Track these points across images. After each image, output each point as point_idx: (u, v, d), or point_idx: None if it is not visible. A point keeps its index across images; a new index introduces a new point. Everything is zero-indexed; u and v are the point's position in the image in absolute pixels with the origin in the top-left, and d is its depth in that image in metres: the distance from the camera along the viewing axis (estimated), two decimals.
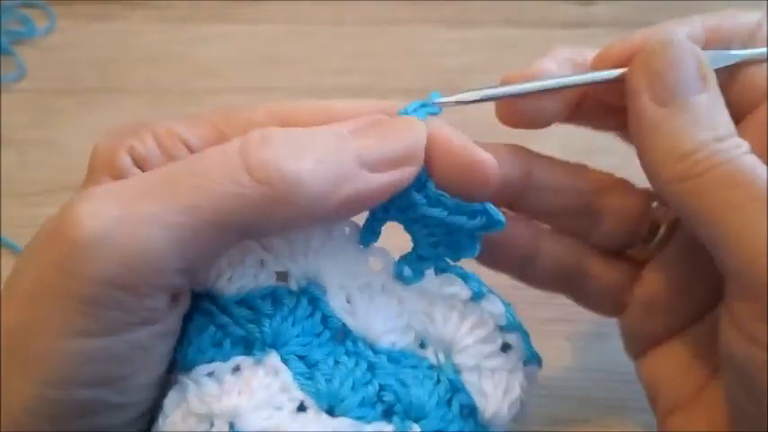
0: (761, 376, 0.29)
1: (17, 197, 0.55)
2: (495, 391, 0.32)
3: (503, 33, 0.65)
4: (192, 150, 0.32)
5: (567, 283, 0.39)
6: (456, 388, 0.32)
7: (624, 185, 0.38)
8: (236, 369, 0.30)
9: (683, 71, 0.32)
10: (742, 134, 0.32)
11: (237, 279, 0.31)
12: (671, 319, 0.37)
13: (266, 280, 0.32)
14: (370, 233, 0.33)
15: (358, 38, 0.66)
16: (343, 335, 0.32)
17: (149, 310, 0.29)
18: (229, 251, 0.31)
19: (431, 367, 0.32)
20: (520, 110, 0.35)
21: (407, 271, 0.33)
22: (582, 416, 0.44)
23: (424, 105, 0.32)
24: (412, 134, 0.31)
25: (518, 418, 0.34)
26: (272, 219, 0.28)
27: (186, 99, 0.62)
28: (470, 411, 0.32)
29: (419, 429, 0.31)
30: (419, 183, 0.31)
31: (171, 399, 0.30)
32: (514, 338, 0.34)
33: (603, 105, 0.36)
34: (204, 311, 0.31)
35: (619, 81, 0.33)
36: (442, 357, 0.33)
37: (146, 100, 0.62)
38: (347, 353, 0.31)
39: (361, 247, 0.33)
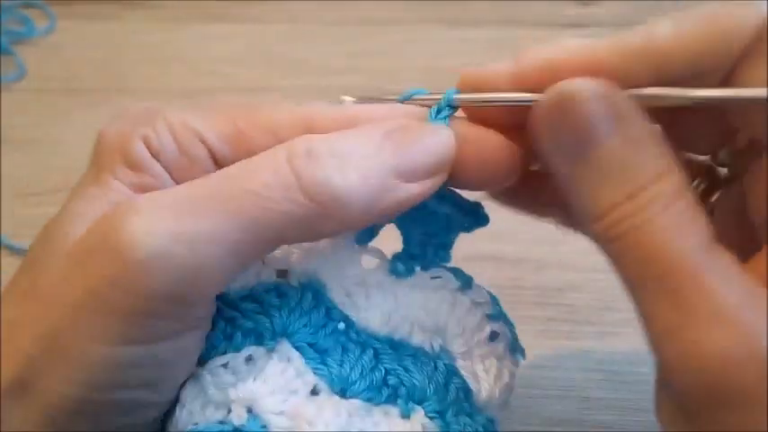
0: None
1: (17, 197, 0.55)
2: (487, 375, 0.34)
3: (503, 33, 0.65)
4: (208, 146, 0.32)
5: None
6: (452, 373, 0.34)
7: None
8: (249, 359, 0.31)
9: (583, 121, 0.28)
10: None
11: (241, 277, 0.32)
12: None
13: (268, 277, 0.33)
14: (368, 233, 0.34)
15: (358, 38, 0.66)
16: (346, 326, 0.33)
17: (198, 319, 0.30)
18: None
19: (427, 355, 0.34)
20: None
21: (400, 267, 0.34)
22: (582, 416, 0.44)
23: (445, 108, 0.33)
24: (443, 146, 0.31)
25: (504, 406, 0.35)
26: (316, 232, 0.29)
27: (186, 99, 0.62)
28: (466, 395, 0.34)
29: (422, 411, 0.32)
30: None
31: (189, 390, 0.31)
32: (501, 327, 0.35)
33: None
34: None
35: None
36: (437, 345, 0.34)
37: (145, 100, 0.62)
38: (353, 341, 0.33)
39: (356, 246, 0.34)
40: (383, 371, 0.32)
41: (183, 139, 0.32)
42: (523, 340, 0.47)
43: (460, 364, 0.34)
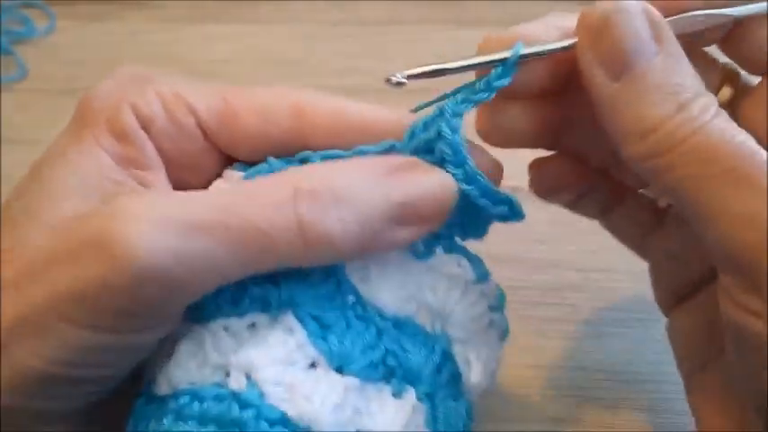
0: (756, 342, 0.28)
1: None
2: (477, 362, 0.35)
3: None
4: (197, 118, 0.32)
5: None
6: (447, 357, 0.34)
7: None
8: (252, 326, 0.31)
9: (630, 37, 0.29)
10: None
11: None
12: (694, 271, 0.36)
13: None
14: None
15: (358, 38, 0.66)
16: (354, 299, 0.33)
17: (174, 316, 0.30)
18: None
19: (427, 336, 0.34)
20: (496, 125, 0.34)
21: (420, 246, 0.34)
22: (582, 416, 0.44)
23: (452, 107, 0.33)
24: (443, 197, 0.31)
25: (485, 393, 0.36)
26: (304, 264, 0.30)
27: None
28: (456, 380, 0.34)
29: (413, 392, 0.32)
30: (459, 159, 0.32)
31: (186, 348, 0.31)
32: (499, 318, 0.36)
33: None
34: None
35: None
36: (438, 328, 0.34)
37: None
38: (357, 317, 0.33)
39: None
40: (383, 350, 0.32)
41: (174, 109, 0.32)
42: (523, 340, 0.47)
43: (456, 349, 0.34)
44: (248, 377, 0.29)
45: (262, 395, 0.29)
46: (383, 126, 0.33)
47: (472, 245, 0.35)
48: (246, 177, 0.33)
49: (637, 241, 0.39)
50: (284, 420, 0.29)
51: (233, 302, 0.31)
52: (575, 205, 0.38)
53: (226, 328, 0.31)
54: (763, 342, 0.28)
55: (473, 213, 0.33)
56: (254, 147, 0.33)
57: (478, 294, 0.35)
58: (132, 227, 0.27)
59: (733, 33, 0.33)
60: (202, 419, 0.29)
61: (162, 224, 0.27)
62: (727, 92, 0.35)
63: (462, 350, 0.35)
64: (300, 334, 0.31)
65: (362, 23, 0.67)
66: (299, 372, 0.30)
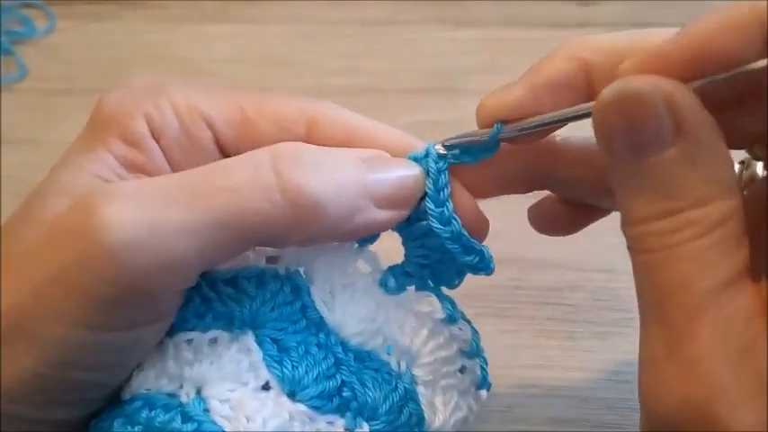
0: None
1: (17, 197, 0.55)
2: (443, 407, 0.34)
3: (503, 33, 0.65)
4: (214, 131, 0.32)
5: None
6: (410, 397, 0.34)
7: None
8: (214, 341, 0.32)
9: (640, 127, 0.26)
10: None
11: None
12: None
13: (257, 262, 0.33)
14: (370, 236, 0.34)
15: (358, 38, 0.66)
16: (317, 326, 0.33)
17: (161, 312, 0.30)
18: None
19: (390, 373, 0.34)
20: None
21: (392, 282, 0.34)
22: (582, 416, 0.44)
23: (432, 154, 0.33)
24: (413, 182, 0.32)
25: None
26: (292, 236, 0.30)
27: None
28: (418, 421, 0.34)
29: (368, 428, 0.32)
30: (439, 199, 0.33)
31: (151, 356, 0.31)
32: (473, 364, 0.35)
33: None
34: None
35: None
36: (403, 366, 0.34)
37: None
38: (318, 344, 0.33)
39: (356, 246, 0.34)
40: (339, 381, 0.32)
41: (188, 121, 0.32)
42: (523, 340, 0.47)
43: (421, 390, 0.34)
44: (198, 391, 0.30)
45: (206, 411, 0.30)
46: (390, 146, 0.33)
47: None
48: None
49: None
50: None
51: (197, 316, 0.31)
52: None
53: (188, 341, 0.31)
54: None
55: (447, 258, 0.34)
56: None
57: (448, 336, 0.35)
58: (104, 207, 0.27)
59: None
60: (147, 427, 0.29)
61: (134, 199, 0.27)
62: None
63: (428, 392, 0.34)
64: (256, 355, 0.31)
65: (362, 23, 0.67)
66: (248, 392, 0.31)
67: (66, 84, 0.64)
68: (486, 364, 0.36)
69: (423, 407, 0.34)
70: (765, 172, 0.32)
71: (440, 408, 0.34)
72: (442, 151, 0.33)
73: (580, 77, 0.31)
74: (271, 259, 0.34)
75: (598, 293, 0.48)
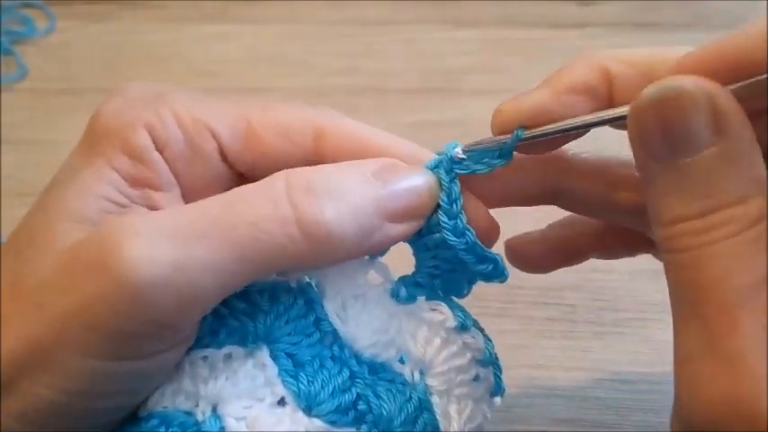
0: None
1: (17, 197, 0.55)
2: (459, 417, 0.34)
3: (503, 33, 0.65)
4: (218, 142, 0.32)
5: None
6: (424, 407, 0.34)
7: None
8: (228, 357, 0.31)
9: (682, 127, 0.26)
10: None
11: None
12: None
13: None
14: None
15: (358, 38, 0.66)
16: (331, 339, 0.33)
17: (183, 338, 0.30)
18: None
19: (404, 383, 0.34)
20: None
21: (403, 292, 0.34)
22: (582, 416, 0.44)
23: (449, 161, 0.33)
24: (426, 191, 0.32)
25: None
26: (308, 265, 0.30)
27: None
28: (433, 431, 0.34)
29: None
30: (452, 212, 0.32)
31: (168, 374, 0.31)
32: (487, 372, 0.35)
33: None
34: None
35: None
36: (417, 376, 0.34)
37: None
38: (333, 357, 0.33)
39: (366, 258, 0.34)
40: (354, 394, 0.32)
41: (192, 132, 0.31)
42: (523, 340, 0.47)
43: (435, 400, 0.34)
44: (214, 409, 0.30)
45: (222, 429, 0.29)
46: (399, 156, 0.33)
47: None
48: None
49: None
50: None
51: (211, 332, 0.31)
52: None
53: (204, 358, 0.31)
54: None
55: (459, 268, 0.34)
56: (274, 167, 0.32)
57: (461, 345, 0.34)
58: (127, 243, 0.26)
59: None
60: None
61: (157, 237, 0.27)
62: None
63: (442, 402, 0.34)
64: (272, 370, 0.31)
65: (362, 23, 0.67)
66: (264, 408, 0.30)
67: (66, 84, 0.64)
68: (501, 372, 0.35)
69: (438, 417, 0.34)
70: None
71: (455, 417, 0.34)
72: (461, 155, 0.32)
73: (603, 85, 0.31)
74: (281, 272, 0.33)
75: (598, 293, 0.48)
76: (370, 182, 0.30)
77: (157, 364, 0.29)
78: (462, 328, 0.34)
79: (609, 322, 0.47)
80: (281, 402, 0.31)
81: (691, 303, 0.26)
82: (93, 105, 0.34)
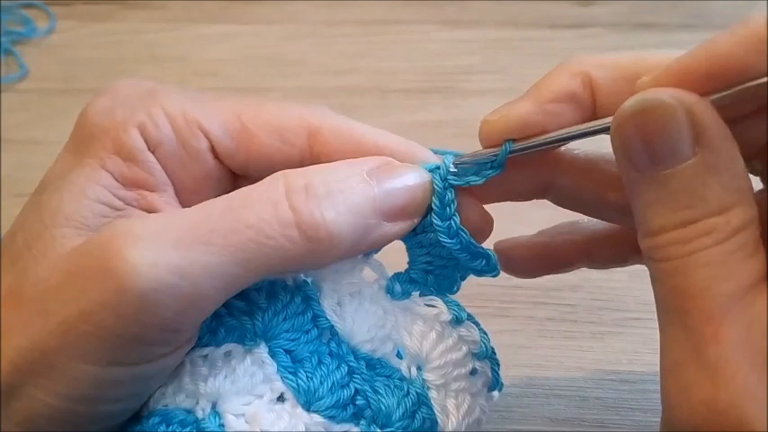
0: None
1: (17, 197, 0.55)
2: (456, 411, 0.34)
3: (503, 33, 0.65)
4: (210, 140, 0.32)
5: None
6: (422, 402, 0.34)
7: None
8: (228, 355, 0.32)
9: (660, 139, 0.26)
10: None
11: None
12: None
13: None
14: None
15: (358, 38, 0.66)
16: (329, 335, 0.33)
17: (184, 341, 0.30)
18: None
19: (402, 378, 0.34)
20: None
21: (398, 288, 0.35)
22: (582, 416, 0.44)
23: (444, 171, 0.33)
24: (421, 190, 0.32)
25: None
26: (308, 266, 0.31)
27: None
28: (431, 425, 0.34)
29: None
30: (445, 214, 0.33)
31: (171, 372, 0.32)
32: (484, 365, 0.35)
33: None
34: None
35: None
36: (414, 371, 0.34)
37: None
38: (331, 353, 0.33)
39: (361, 255, 0.34)
40: (353, 390, 0.32)
41: (185, 131, 0.31)
42: (523, 340, 0.47)
43: (433, 395, 0.34)
44: (213, 406, 0.30)
45: (222, 426, 0.30)
46: (393, 153, 0.33)
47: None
48: None
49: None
50: None
51: (210, 331, 0.32)
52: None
53: (204, 357, 0.31)
54: None
55: (452, 264, 0.34)
56: (268, 167, 0.33)
57: (456, 338, 0.35)
58: (130, 249, 0.26)
59: None
60: None
61: (159, 242, 0.27)
62: None
63: (440, 396, 0.34)
64: (271, 367, 0.31)
65: (362, 23, 0.67)
66: (264, 404, 0.31)
67: (66, 84, 0.64)
68: (498, 366, 0.36)
69: (435, 411, 0.34)
70: (763, 186, 0.32)
71: (452, 411, 0.34)
72: (453, 169, 0.33)
73: (586, 93, 0.31)
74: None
75: (597, 293, 0.48)
76: (366, 181, 0.31)
77: (159, 367, 0.29)
78: (457, 321, 0.35)
79: (609, 322, 0.47)
80: (281, 398, 0.31)
81: (675, 311, 0.27)
82: None
